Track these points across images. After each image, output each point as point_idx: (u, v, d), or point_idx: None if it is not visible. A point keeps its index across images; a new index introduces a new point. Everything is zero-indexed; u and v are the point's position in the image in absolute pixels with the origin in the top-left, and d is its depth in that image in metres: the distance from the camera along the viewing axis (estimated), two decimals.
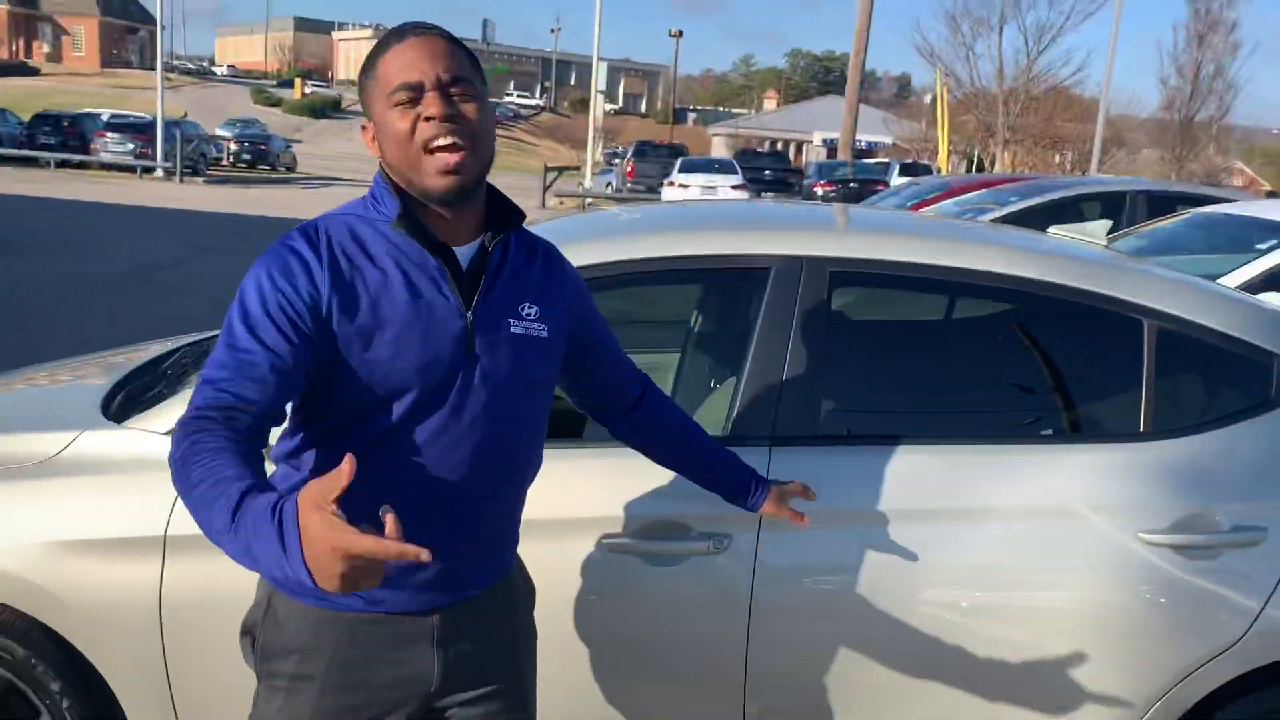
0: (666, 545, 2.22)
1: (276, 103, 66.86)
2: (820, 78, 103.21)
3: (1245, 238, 5.34)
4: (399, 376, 1.52)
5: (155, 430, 2.35)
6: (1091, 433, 2.40)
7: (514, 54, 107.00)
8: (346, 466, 1.15)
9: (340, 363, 1.51)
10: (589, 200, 29.41)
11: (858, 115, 29.56)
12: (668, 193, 23.28)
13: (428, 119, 1.50)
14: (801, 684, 2.29)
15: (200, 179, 28.33)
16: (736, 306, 2.74)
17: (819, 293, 2.36)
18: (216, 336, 3.29)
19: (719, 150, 48.94)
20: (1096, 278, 2.43)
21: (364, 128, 1.60)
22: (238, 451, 1.33)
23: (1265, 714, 2.29)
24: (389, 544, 1.14)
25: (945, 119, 28.94)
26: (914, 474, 2.29)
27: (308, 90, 73.27)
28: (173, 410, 2.37)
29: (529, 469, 1.73)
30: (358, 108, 2.17)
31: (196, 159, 29.32)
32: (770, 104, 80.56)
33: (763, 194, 25.60)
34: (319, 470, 1.57)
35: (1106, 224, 2.98)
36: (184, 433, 1.38)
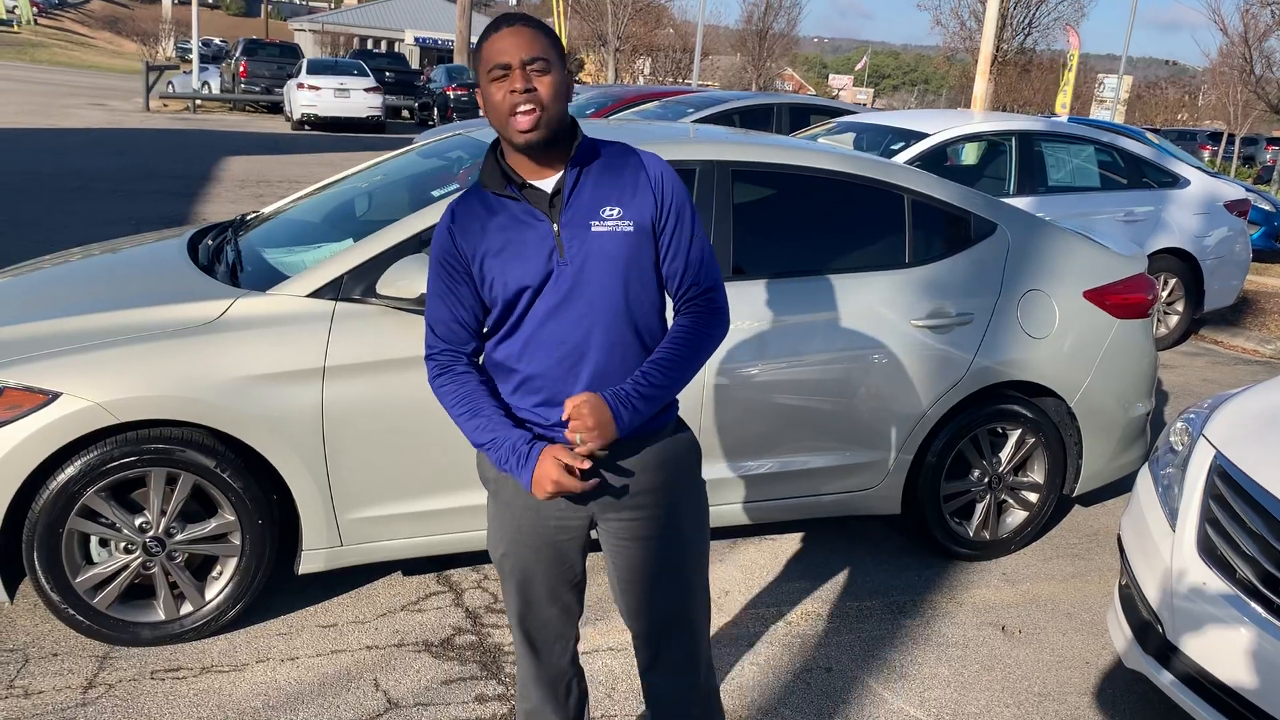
0: None
1: None
2: None
3: (880, 140, 7.30)
4: (515, 280, 2.05)
5: (298, 294, 3.23)
6: (882, 265, 3.95)
7: None
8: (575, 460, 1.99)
9: (484, 281, 2.09)
10: (198, 102, 27.94)
11: (471, 20, 30.31)
12: (299, 94, 22.83)
13: (512, 91, 1.96)
14: (731, 415, 3.70)
15: None
16: None
17: (726, 184, 3.70)
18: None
19: (306, 47, 47.40)
20: (880, 171, 4.00)
21: (478, 93, 2.07)
22: (476, 379, 2.11)
23: (971, 420, 4.02)
24: (577, 486, 2.01)
25: (564, 27, 30.57)
26: (788, 294, 3.74)
27: None
28: (306, 281, 3.25)
29: (644, 332, 2.13)
30: None
31: None
32: None
33: (386, 97, 25.79)
34: (493, 352, 2.17)
35: (850, 137, 4.56)
36: (434, 366, 2.14)
